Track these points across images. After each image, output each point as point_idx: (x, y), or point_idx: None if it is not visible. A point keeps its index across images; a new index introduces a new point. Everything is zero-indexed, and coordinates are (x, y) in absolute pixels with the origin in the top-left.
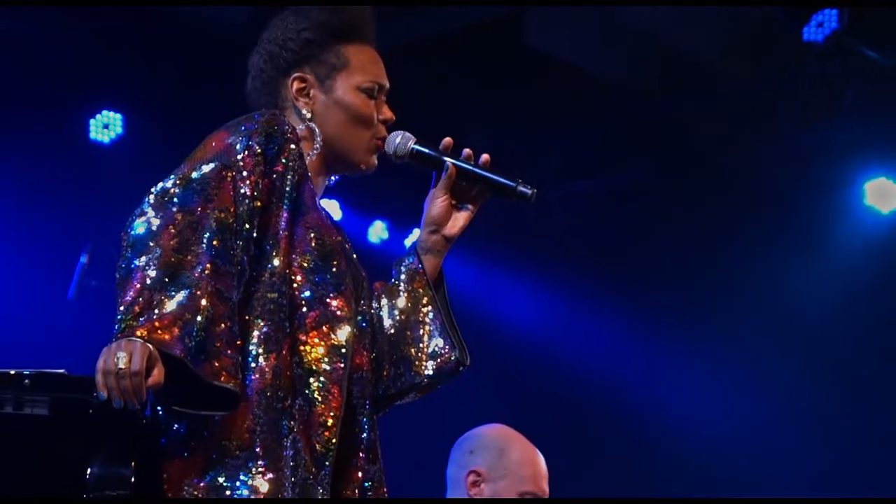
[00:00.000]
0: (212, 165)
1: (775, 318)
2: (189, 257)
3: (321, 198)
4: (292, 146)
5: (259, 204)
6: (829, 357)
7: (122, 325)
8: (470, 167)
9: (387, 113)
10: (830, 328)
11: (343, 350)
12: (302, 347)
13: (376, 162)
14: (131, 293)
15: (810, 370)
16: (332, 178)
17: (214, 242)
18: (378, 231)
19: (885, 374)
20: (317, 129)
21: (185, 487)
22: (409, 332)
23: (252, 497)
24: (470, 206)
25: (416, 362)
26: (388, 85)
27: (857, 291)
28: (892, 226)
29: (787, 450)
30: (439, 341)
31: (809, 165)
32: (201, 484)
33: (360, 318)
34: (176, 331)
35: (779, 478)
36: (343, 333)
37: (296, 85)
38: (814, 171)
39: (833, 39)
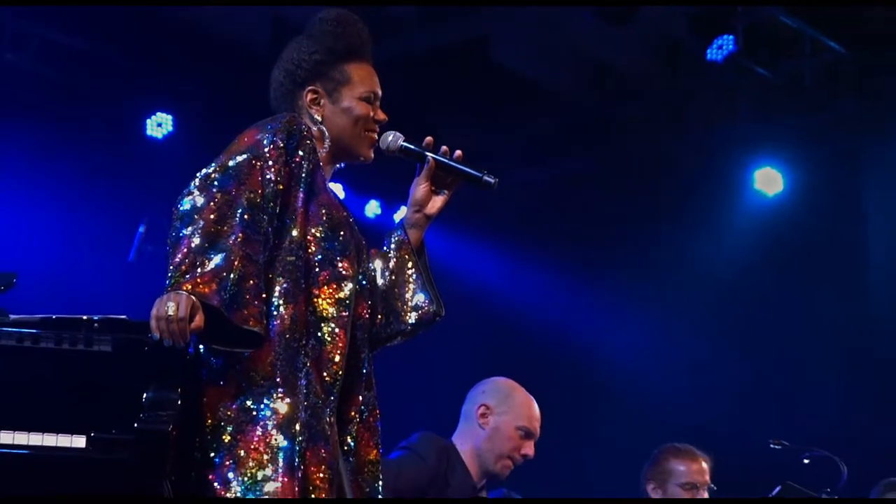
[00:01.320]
0: (244, 156)
1: (686, 277)
2: (225, 228)
3: (330, 182)
4: (307, 142)
5: (281, 187)
6: (726, 306)
7: (172, 281)
8: (446, 161)
9: (380, 115)
10: (727, 285)
11: (347, 302)
12: (315, 300)
13: (373, 155)
14: (179, 255)
15: (712, 315)
16: (339, 165)
17: (245, 217)
18: (373, 208)
19: (769, 319)
20: (326, 131)
21: (220, 409)
22: (396, 290)
23: (273, 416)
24: (446, 191)
25: (402, 314)
26: (380, 93)
27: (748, 258)
28: (775, 206)
29: (695, 376)
30: (421, 297)
31: (711, 157)
32: (233, 406)
33: (360, 276)
34: (214, 286)
35: (686, 396)
36: (348, 289)
37: (309, 96)
38: (715, 161)
39: (730, 59)
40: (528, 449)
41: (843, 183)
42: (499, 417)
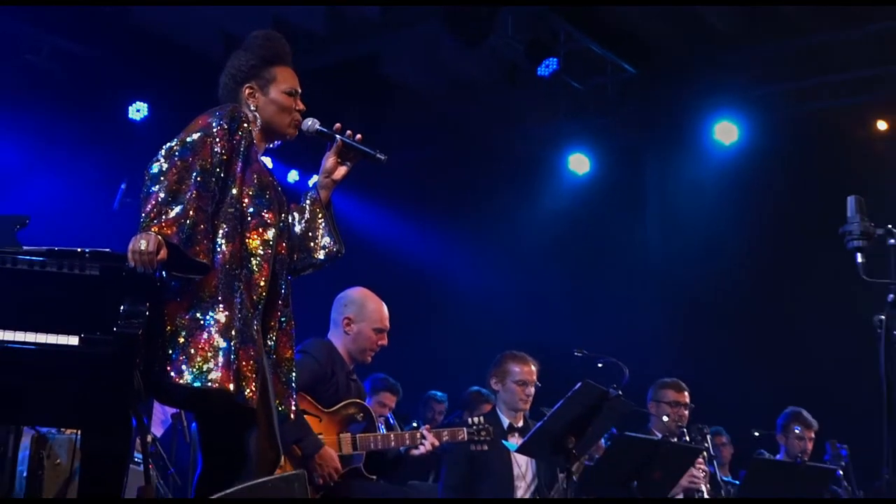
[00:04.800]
0: (198, 134)
1: (519, 230)
2: (183, 186)
3: (262, 155)
4: (245, 124)
5: (225, 157)
6: (548, 251)
7: (143, 225)
8: (350, 141)
9: (300, 105)
10: (548, 236)
11: (270, 242)
12: (247, 240)
13: (296, 133)
14: (149, 206)
15: (538, 257)
16: (270, 144)
17: (199, 179)
18: (293, 175)
19: (577, 262)
20: (259, 117)
21: (177, 318)
22: (310, 234)
23: (215, 324)
24: (349, 163)
25: (313, 251)
26: (300, 89)
27: (563, 217)
28: (584, 182)
29: (526, 300)
30: (327, 239)
31: (539, 147)
32: (186, 316)
33: (281, 224)
34: (175, 228)
35: (519, 315)
36: (271, 233)
37: (247, 91)
38: (541, 150)
39: (554, 75)
40: (383, 340)
41: (632, 167)
42: (359, 325)
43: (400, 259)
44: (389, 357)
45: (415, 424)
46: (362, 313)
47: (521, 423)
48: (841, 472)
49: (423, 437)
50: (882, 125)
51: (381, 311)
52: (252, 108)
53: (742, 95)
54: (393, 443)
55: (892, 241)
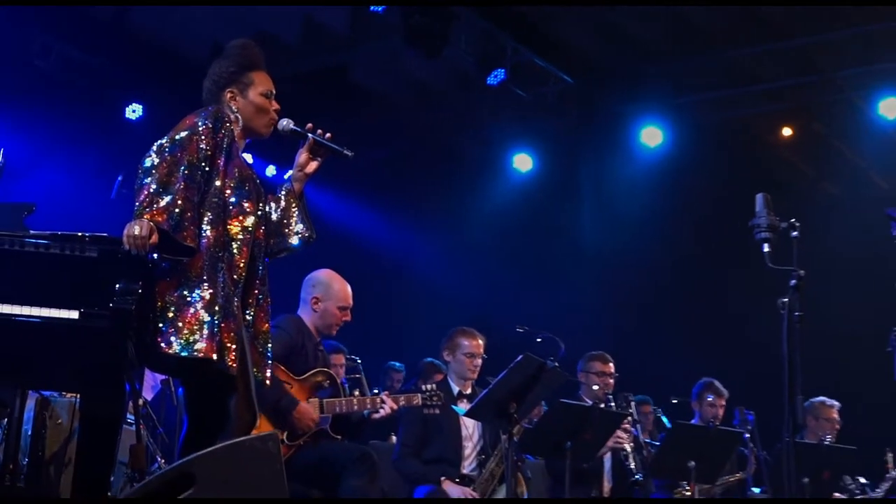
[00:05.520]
0: (186, 132)
1: (471, 221)
2: (172, 179)
3: (242, 152)
4: (227, 124)
5: (209, 153)
6: (496, 238)
7: (137, 212)
8: (320, 139)
9: (275, 105)
10: (496, 225)
11: (249, 229)
12: (229, 227)
13: (270, 132)
14: (142, 196)
15: (487, 245)
16: (247, 141)
17: (186, 172)
18: (271, 170)
19: (522, 248)
20: (240, 118)
21: (167, 295)
22: (284, 221)
23: (200, 301)
24: (319, 159)
25: (288, 237)
26: (274, 91)
27: (508, 209)
28: (527, 178)
29: (475, 283)
30: (300, 226)
31: (488, 147)
32: (175, 294)
33: (259, 213)
34: (165, 216)
35: (469, 296)
36: (250, 221)
37: (229, 95)
38: (490, 150)
39: (502, 84)
40: (347, 317)
41: (570, 165)
42: (325, 303)
43: (366, 245)
44: (355, 331)
45: (376, 391)
46: (328, 293)
47: (469, 391)
48: (748, 436)
49: (382, 401)
50: (787, 131)
51: (345, 290)
52: (234, 109)
53: (665, 104)
54: (356, 407)
55: (795, 233)
